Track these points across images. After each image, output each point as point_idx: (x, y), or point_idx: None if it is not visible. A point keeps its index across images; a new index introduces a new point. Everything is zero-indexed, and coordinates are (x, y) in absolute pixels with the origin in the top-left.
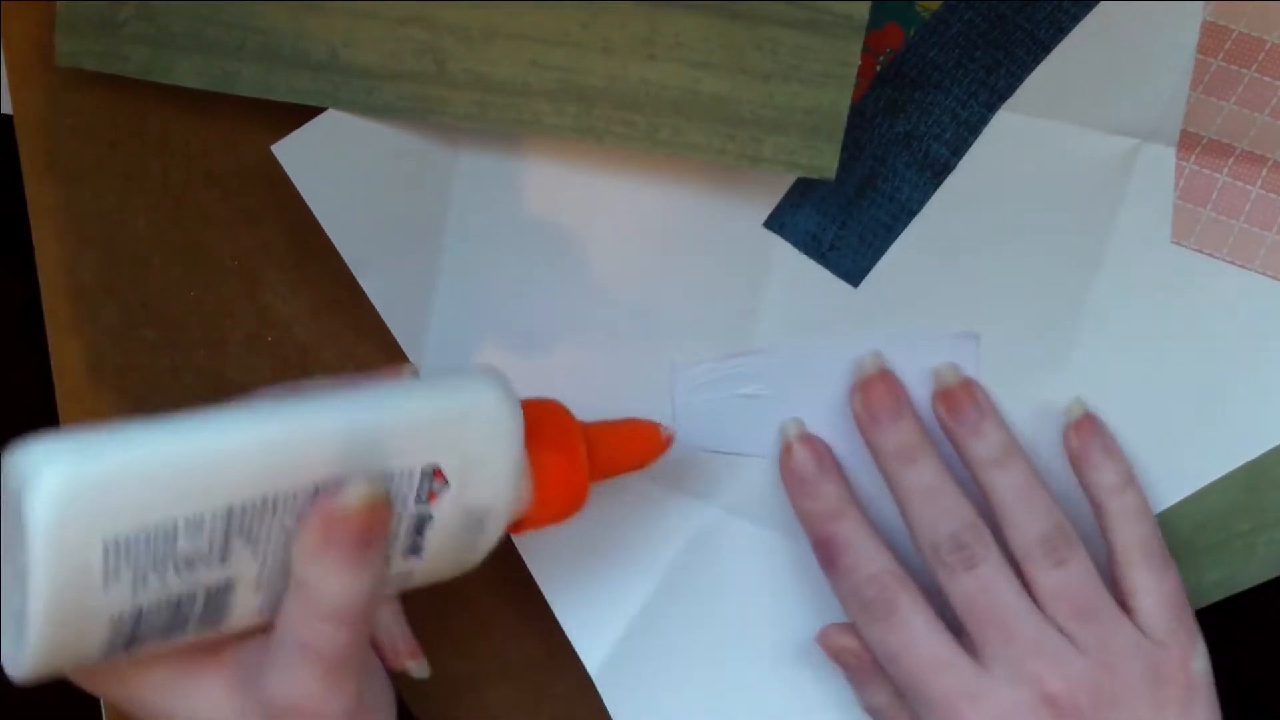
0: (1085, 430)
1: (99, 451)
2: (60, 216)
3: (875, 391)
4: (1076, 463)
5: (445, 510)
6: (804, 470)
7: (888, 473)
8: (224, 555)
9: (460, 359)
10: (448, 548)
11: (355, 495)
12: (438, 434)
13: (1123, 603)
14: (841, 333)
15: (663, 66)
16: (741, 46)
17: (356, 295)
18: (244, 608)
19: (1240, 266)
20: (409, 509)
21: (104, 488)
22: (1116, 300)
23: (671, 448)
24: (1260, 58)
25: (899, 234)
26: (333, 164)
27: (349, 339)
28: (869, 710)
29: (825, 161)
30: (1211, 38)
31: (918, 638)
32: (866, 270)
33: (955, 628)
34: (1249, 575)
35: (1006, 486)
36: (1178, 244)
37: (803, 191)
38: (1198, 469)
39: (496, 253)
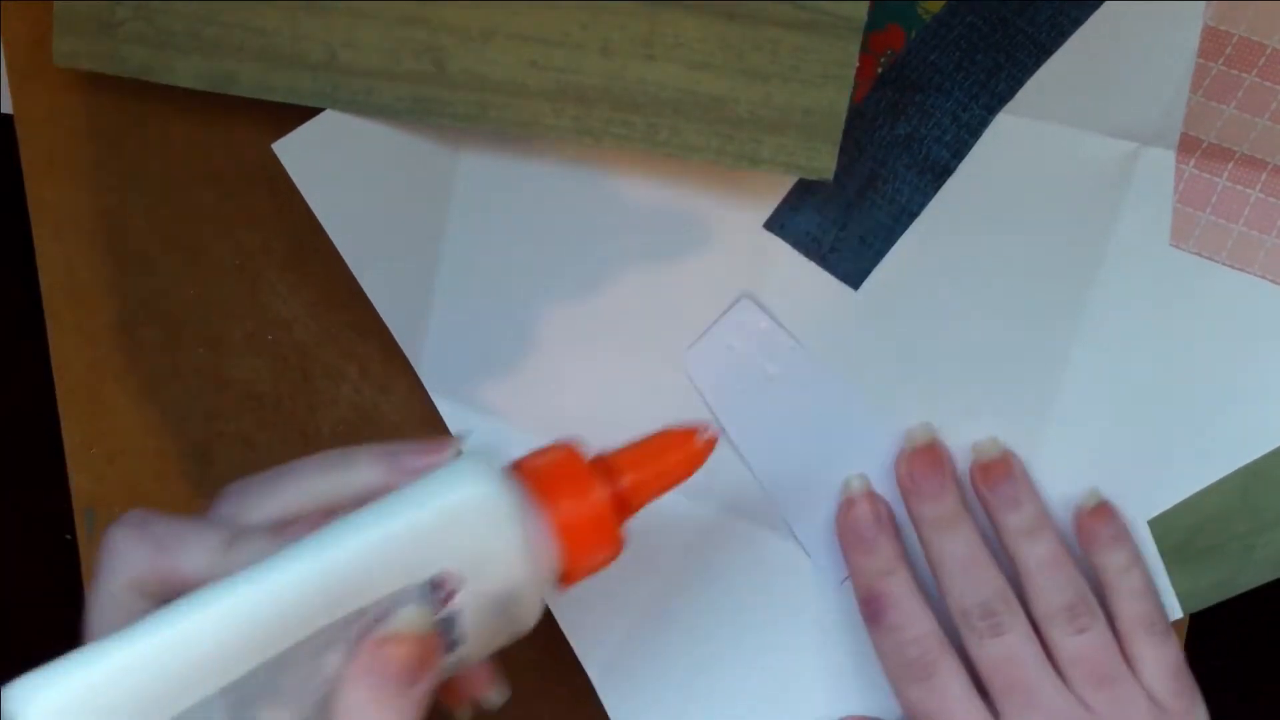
0: (1099, 516)
1: (78, 676)
2: (60, 216)
3: (921, 462)
4: (1088, 544)
5: (469, 603)
6: (863, 525)
7: (925, 538)
8: None
9: (460, 359)
10: (488, 629)
11: (394, 628)
12: (431, 545)
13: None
14: (860, 357)
15: (662, 67)
16: (740, 47)
17: (356, 295)
18: None
19: (1239, 270)
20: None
21: (87, 706)
22: (1115, 302)
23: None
24: (1261, 63)
25: (899, 236)
26: (334, 163)
27: (349, 339)
28: None
29: (823, 162)
30: (1212, 42)
31: (953, 702)
32: (867, 272)
33: (981, 687)
34: (1246, 577)
35: (1036, 557)
36: (1177, 247)
37: (803, 193)
38: (1196, 471)
39: (496, 253)
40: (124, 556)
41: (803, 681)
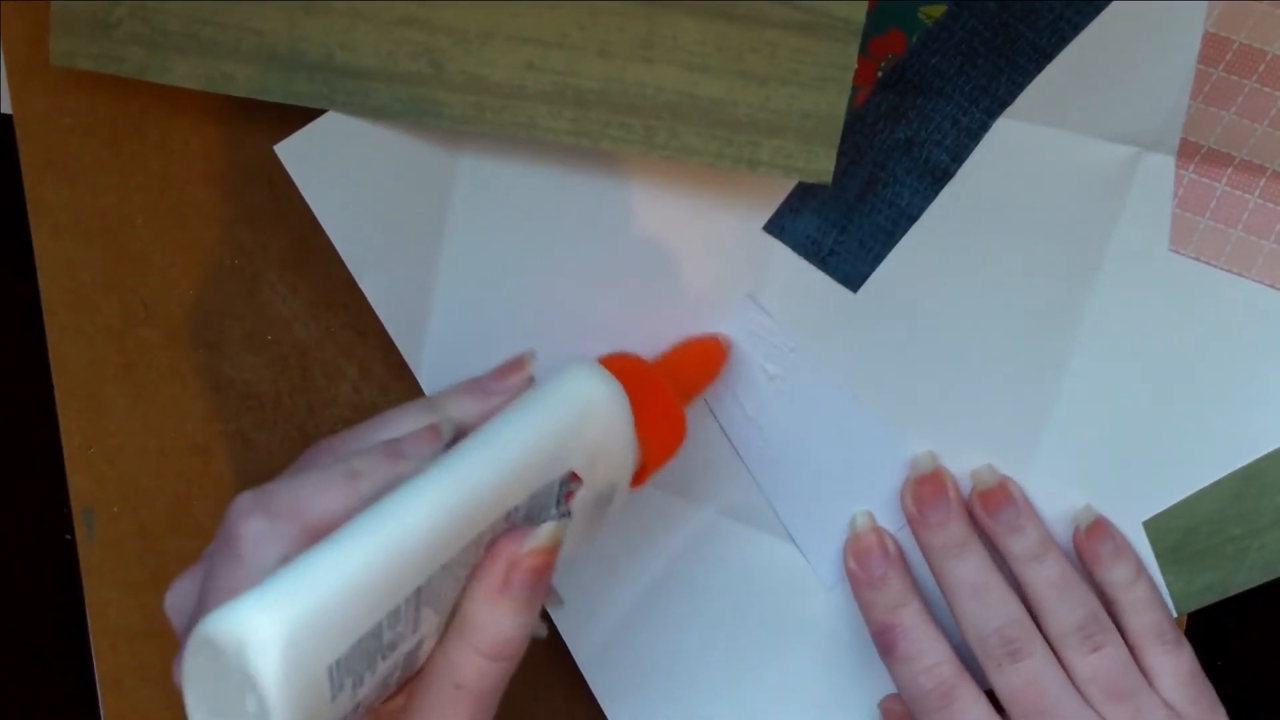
0: (1095, 535)
1: (303, 591)
2: (60, 215)
3: (926, 489)
4: (1089, 563)
5: (580, 503)
6: (872, 562)
7: (935, 566)
8: (416, 625)
9: (458, 361)
10: (583, 531)
11: (535, 542)
12: (566, 443)
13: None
14: (854, 369)
15: (660, 69)
16: (739, 49)
17: (356, 295)
18: (425, 657)
19: (1237, 275)
20: (552, 516)
21: (318, 623)
22: (1114, 306)
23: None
24: (1260, 69)
25: (899, 240)
26: (335, 164)
27: (349, 339)
28: None
29: (822, 165)
30: (1213, 48)
31: None
32: (866, 276)
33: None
34: (1240, 580)
35: (1044, 580)
36: (1175, 252)
37: (803, 196)
38: (1191, 473)
39: (496, 256)
40: (265, 541)
41: (799, 681)
